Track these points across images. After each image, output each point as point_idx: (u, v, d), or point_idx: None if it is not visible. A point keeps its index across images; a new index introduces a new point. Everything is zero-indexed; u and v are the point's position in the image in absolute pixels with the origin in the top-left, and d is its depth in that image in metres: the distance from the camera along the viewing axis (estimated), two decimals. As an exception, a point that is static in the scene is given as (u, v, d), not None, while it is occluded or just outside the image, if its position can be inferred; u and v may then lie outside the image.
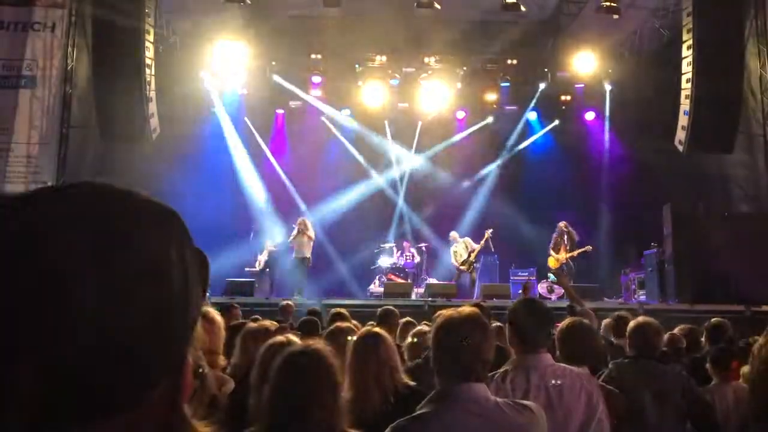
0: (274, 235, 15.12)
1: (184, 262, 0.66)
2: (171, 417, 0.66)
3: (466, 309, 2.28)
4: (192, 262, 0.68)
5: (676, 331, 5.50)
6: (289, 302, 8.68)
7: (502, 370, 2.80)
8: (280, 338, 2.94)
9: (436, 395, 2.15)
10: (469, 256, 13.78)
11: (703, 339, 5.61)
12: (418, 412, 2.13)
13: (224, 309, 6.72)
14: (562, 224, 13.27)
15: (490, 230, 13.99)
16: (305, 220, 13.86)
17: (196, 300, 0.68)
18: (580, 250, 13.06)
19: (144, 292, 0.61)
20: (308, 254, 13.47)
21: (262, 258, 13.99)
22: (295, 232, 13.59)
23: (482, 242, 13.76)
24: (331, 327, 3.99)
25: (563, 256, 12.97)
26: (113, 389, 0.60)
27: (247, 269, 14.21)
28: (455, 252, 14.06)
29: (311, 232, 13.65)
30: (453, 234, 14.39)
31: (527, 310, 2.95)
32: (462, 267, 13.84)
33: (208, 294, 11.07)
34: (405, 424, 2.09)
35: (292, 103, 16.75)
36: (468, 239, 14.16)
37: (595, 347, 3.38)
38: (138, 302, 0.60)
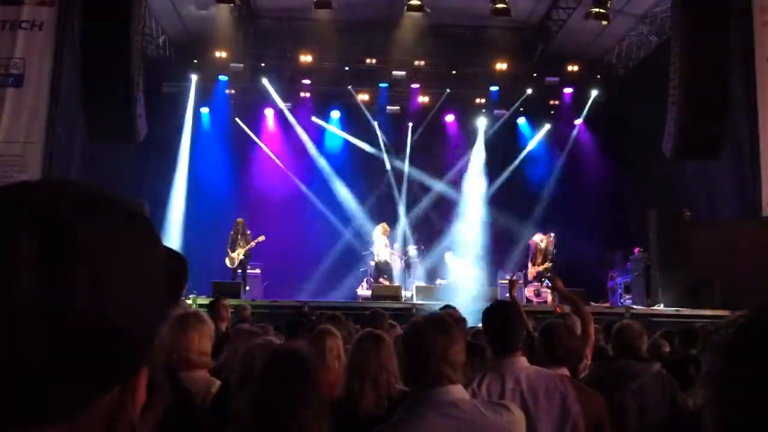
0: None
1: (142, 265, 0.63)
2: (117, 428, 0.62)
3: (432, 313, 2.28)
4: (157, 267, 0.64)
5: (656, 336, 5.57)
6: (243, 304, 8.67)
7: (478, 375, 2.79)
8: (260, 340, 2.93)
9: (411, 402, 2.13)
10: None
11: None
12: (394, 419, 2.12)
13: (211, 305, 6.64)
14: (536, 238, 13.67)
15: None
16: None
17: (154, 307, 0.64)
18: (542, 267, 13.37)
19: (89, 295, 0.57)
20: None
21: (236, 256, 13.73)
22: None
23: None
24: (317, 329, 3.98)
25: (532, 270, 13.43)
26: (51, 394, 0.56)
27: (239, 271, 14.05)
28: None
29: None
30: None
31: (498, 313, 2.95)
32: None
33: (194, 295, 11.03)
34: (381, 429, 2.08)
35: (282, 105, 16.73)
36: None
37: (574, 348, 3.38)
38: (79, 306, 0.57)
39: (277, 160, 16.62)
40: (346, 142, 17.22)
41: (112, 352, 0.59)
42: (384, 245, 14.07)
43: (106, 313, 0.58)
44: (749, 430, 0.76)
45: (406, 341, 2.21)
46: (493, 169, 17.36)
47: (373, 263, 14.14)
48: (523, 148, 17.51)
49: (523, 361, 2.81)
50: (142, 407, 0.67)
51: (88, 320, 0.57)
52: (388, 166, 17.29)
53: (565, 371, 3.08)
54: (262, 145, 16.63)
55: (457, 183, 17.25)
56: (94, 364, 0.58)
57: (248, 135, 16.58)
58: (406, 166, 17.31)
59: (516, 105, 17.04)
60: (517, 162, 17.29)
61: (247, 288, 13.41)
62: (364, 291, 14.31)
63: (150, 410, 0.69)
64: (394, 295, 12.86)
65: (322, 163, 16.98)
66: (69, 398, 0.58)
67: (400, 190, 17.23)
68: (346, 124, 17.20)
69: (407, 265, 14.96)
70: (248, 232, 13.80)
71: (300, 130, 16.94)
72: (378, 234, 14.17)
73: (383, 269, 13.99)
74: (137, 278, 0.62)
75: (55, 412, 0.58)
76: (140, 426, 0.66)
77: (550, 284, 12.14)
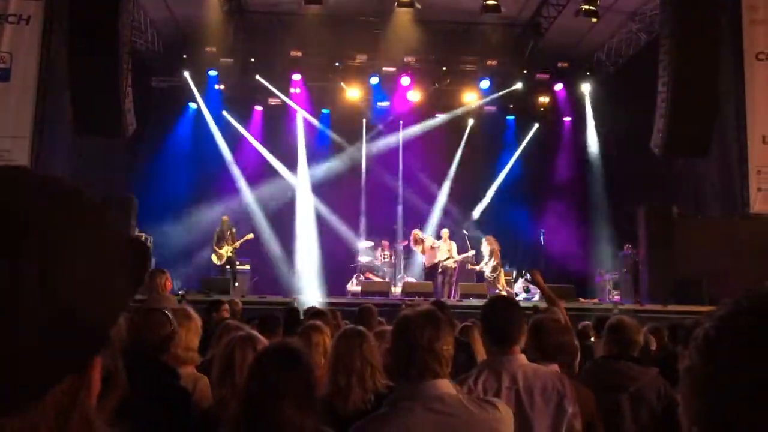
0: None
1: (96, 254, 0.61)
2: (70, 419, 0.61)
3: (422, 307, 2.26)
4: (112, 255, 0.62)
5: (644, 331, 5.59)
6: (234, 299, 8.60)
7: (474, 371, 2.74)
8: (240, 333, 2.92)
9: (396, 395, 2.13)
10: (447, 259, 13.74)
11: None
12: (378, 412, 2.11)
13: (212, 305, 6.60)
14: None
15: (465, 232, 14.17)
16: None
17: (112, 296, 0.62)
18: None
19: (39, 284, 0.55)
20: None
21: (224, 253, 13.63)
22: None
23: (462, 257, 13.88)
24: (305, 324, 3.98)
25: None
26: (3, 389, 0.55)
27: (228, 267, 13.96)
28: (439, 248, 13.92)
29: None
30: (444, 231, 14.12)
31: (498, 308, 2.90)
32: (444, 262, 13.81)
33: (183, 291, 10.97)
34: (364, 424, 2.07)
35: (272, 101, 16.67)
36: (453, 245, 14.07)
37: (566, 343, 3.29)
38: (27, 296, 0.55)
39: (264, 151, 16.50)
40: (337, 137, 17.18)
41: (64, 343, 0.57)
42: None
43: (57, 303, 0.56)
44: (730, 426, 0.75)
45: (395, 333, 2.19)
46: (483, 165, 17.38)
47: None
48: (512, 144, 17.53)
49: (521, 358, 2.75)
50: (98, 396, 0.65)
51: (37, 311, 0.55)
52: (378, 161, 17.26)
53: (556, 368, 2.98)
54: (251, 138, 16.54)
55: (447, 178, 17.25)
56: (45, 355, 0.56)
57: (237, 131, 16.50)
58: (398, 162, 17.27)
59: (506, 102, 17.06)
60: (511, 163, 17.27)
61: (236, 284, 13.37)
62: (354, 287, 14.31)
63: (106, 399, 0.67)
64: (384, 291, 12.87)
65: (312, 158, 16.93)
66: (20, 392, 0.56)
67: (390, 186, 17.21)
68: (336, 119, 17.15)
69: (397, 261, 15.00)
70: (233, 229, 13.73)
71: (289, 125, 16.88)
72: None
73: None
74: (91, 267, 0.60)
75: (5, 406, 0.56)
76: (96, 415, 0.65)
77: (530, 278, 12.13)
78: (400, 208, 16.87)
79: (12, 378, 0.55)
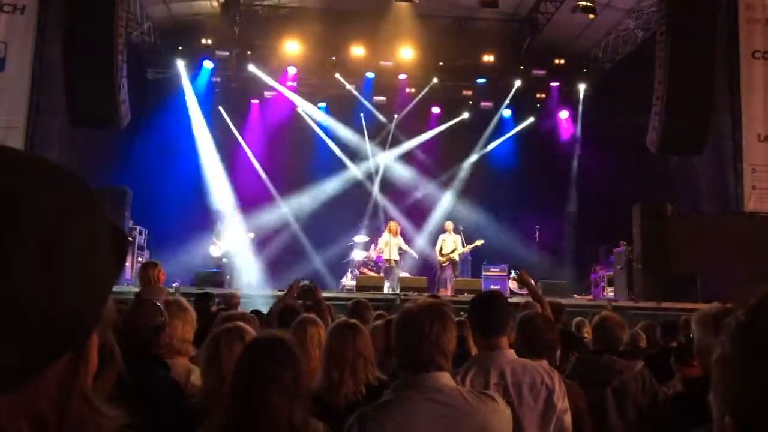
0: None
1: (91, 235, 0.61)
2: (70, 396, 0.61)
3: (426, 300, 2.29)
4: (105, 236, 0.63)
5: (637, 328, 5.62)
6: (232, 292, 8.61)
7: (462, 368, 2.74)
8: (227, 325, 2.93)
9: (399, 385, 2.17)
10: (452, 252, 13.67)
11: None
12: (381, 400, 2.16)
13: (200, 298, 6.60)
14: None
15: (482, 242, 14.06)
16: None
17: (103, 275, 0.62)
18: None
19: (41, 271, 0.55)
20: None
21: (223, 245, 13.54)
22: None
23: (470, 247, 13.80)
24: (300, 317, 3.97)
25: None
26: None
27: (224, 260, 13.90)
28: (444, 241, 13.92)
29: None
30: (448, 224, 14.07)
31: (486, 303, 2.90)
32: (441, 258, 13.75)
33: (177, 284, 10.94)
34: (368, 410, 2.11)
35: (267, 94, 16.63)
36: (458, 238, 13.95)
37: (554, 339, 3.30)
38: (30, 281, 0.54)
39: (251, 156, 16.49)
40: (332, 131, 17.16)
41: (62, 324, 0.58)
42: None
43: (58, 287, 0.57)
44: (763, 414, 0.75)
45: (401, 325, 2.22)
46: (476, 160, 17.38)
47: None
48: (508, 139, 17.53)
49: (509, 353, 2.75)
50: (95, 373, 0.66)
51: (39, 296, 0.55)
52: (372, 156, 17.26)
53: (545, 364, 2.96)
54: (243, 143, 16.52)
55: (443, 175, 17.25)
56: (44, 335, 0.56)
57: (233, 123, 16.46)
58: (391, 157, 17.28)
59: (503, 97, 17.06)
60: (489, 148, 17.26)
61: (229, 278, 13.32)
62: (348, 281, 14.29)
63: (103, 375, 0.67)
64: (378, 285, 12.85)
65: (306, 152, 16.91)
66: (17, 369, 0.56)
67: (384, 181, 17.20)
68: (331, 113, 17.12)
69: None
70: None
71: (284, 118, 16.84)
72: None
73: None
74: (87, 249, 0.60)
75: (3, 383, 0.56)
76: (94, 391, 0.65)
77: (516, 276, 12.05)
78: (396, 204, 16.87)
79: (7, 358, 0.55)
